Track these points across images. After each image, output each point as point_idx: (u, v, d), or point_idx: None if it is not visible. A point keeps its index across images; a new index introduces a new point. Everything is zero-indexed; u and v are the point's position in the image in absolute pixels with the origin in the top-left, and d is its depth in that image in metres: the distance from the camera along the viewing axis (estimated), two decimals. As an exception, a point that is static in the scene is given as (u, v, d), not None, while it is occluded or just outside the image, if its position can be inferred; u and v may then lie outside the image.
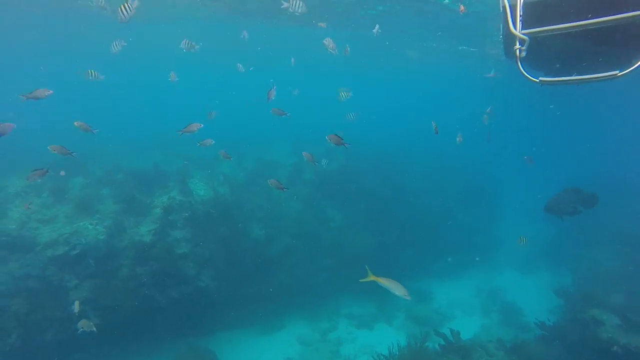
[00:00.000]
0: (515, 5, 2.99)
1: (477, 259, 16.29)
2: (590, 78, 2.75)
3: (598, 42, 3.85)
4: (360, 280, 7.45)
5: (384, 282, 5.91)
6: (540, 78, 3.01)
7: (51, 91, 5.88)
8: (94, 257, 8.29)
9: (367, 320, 12.59)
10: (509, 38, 3.18)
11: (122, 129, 19.95)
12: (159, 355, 10.06)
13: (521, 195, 23.13)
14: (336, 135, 6.53)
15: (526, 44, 2.93)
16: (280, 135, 18.96)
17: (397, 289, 5.73)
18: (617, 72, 2.63)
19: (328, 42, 7.90)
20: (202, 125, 7.52)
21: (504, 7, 3.10)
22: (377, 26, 8.55)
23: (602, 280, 12.18)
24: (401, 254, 14.85)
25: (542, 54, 3.94)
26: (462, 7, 9.56)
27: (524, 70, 3.02)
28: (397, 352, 7.85)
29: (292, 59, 14.79)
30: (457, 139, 6.73)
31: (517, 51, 2.95)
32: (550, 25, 2.80)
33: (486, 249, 17.81)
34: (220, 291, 10.64)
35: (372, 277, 5.95)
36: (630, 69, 2.61)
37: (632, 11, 2.52)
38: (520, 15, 3.00)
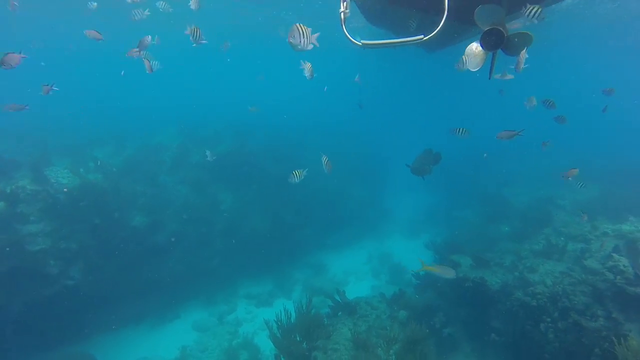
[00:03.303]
0: None
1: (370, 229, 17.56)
2: (401, 42, 2.82)
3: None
4: (416, 271, 7.58)
5: (436, 270, 6.45)
6: (362, 41, 3.02)
7: None
8: None
9: (265, 298, 12.66)
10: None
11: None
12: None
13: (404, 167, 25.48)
14: None
15: (347, 4, 2.98)
16: (165, 117, 17.63)
17: (448, 273, 6.20)
18: (422, 36, 2.81)
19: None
20: None
21: None
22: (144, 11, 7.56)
23: (466, 232, 14.32)
24: (298, 232, 15.19)
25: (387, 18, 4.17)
26: None
27: (348, 33, 2.96)
28: (285, 318, 8.02)
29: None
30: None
31: (342, 14, 2.93)
32: None
33: (376, 220, 19.40)
34: (96, 288, 9.55)
35: (425, 267, 6.32)
36: (433, 34, 2.83)
37: None
38: None
